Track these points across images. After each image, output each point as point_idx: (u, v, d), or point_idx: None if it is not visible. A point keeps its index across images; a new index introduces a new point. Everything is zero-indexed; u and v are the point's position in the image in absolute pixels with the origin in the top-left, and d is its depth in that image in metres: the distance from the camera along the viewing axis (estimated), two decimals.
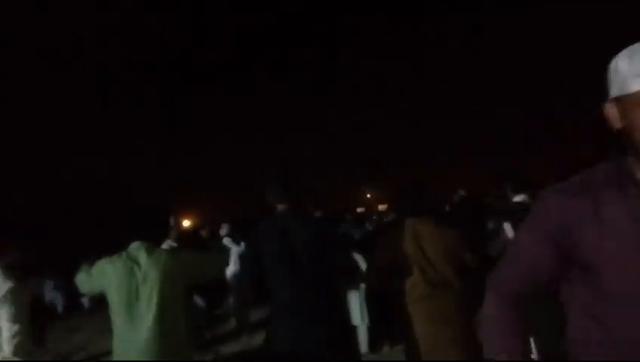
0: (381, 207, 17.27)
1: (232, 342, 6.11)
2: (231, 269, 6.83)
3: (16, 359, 2.70)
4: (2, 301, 2.75)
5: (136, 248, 2.68)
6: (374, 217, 10.02)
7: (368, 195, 19.91)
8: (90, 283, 2.75)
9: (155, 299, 2.56)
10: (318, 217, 3.93)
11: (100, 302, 2.79)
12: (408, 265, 2.92)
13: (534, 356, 3.25)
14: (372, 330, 4.98)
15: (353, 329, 3.15)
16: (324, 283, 2.80)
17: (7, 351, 2.72)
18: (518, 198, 3.65)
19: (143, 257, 2.63)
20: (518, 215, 3.35)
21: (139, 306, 2.57)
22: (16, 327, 2.72)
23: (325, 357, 2.69)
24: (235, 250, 6.85)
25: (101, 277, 2.67)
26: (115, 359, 2.60)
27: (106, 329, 2.79)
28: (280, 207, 2.95)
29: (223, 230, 7.11)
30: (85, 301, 10.14)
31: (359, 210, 17.73)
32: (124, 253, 2.68)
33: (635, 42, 1.09)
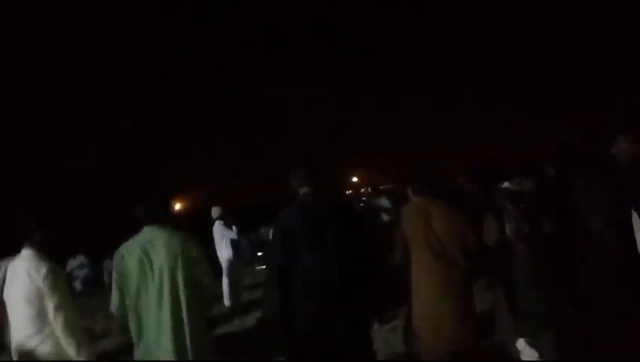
0: (365, 190, 17.35)
1: (225, 324, 6.17)
2: (224, 253, 6.86)
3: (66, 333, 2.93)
4: (44, 280, 2.90)
5: (150, 231, 2.78)
6: (363, 198, 10.13)
7: (354, 179, 19.95)
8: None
9: (169, 282, 2.68)
10: (344, 202, 3.83)
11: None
12: (417, 241, 3.05)
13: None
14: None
15: (371, 323, 3.15)
16: (349, 270, 2.78)
17: (56, 327, 2.93)
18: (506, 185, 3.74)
19: (155, 239, 2.75)
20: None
21: (153, 288, 2.68)
22: (61, 304, 2.93)
23: (340, 349, 2.75)
24: (227, 234, 6.87)
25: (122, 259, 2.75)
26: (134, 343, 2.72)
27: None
28: (304, 190, 2.94)
29: (215, 213, 7.08)
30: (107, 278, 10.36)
31: (348, 192, 17.83)
32: (138, 237, 2.79)
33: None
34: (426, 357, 3.05)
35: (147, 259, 2.71)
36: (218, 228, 6.92)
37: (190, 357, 2.67)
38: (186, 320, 2.69)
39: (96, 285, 11.04)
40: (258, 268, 10.24)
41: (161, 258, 2.71)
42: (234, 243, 6.93)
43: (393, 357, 4.39)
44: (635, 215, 2.89)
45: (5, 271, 3.08)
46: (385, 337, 4.89)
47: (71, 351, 2.94)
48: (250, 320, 6.20)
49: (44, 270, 2.93)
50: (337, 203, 3.06)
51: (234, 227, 6.92)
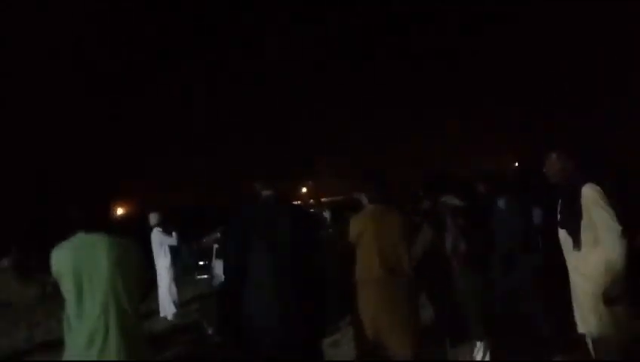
0: (312, 202, 17.40)
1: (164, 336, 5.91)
2: (162, 261, 6.60)
3: None
4: None
5: (84, 237, 2.68)
6: (310, 209, 10.07)
7: (304, 190, 19.97)
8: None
9: (104, 288, 2.59)
10: (300, 207, 3.95)
11: None
12: (367, 249, 3.09)
13: None
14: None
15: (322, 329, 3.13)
16: (300, 274, 2.82)
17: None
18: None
19: (93, 245, 2.65)
20: None
21: (89, 295, 2.59)
22: None
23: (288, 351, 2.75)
24: (166, 241, 6.62)
25: (56, 264, 2.64)
26: (66, 348, 2.63)
27: None
28: (265, 193, 2.94)
29: (153, 219, 6.80)
30: None
31: (296, 203, 17.82)
32: (73, 241, 2.67)
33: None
34: None
35: (85, 265, 2.61)
36: (157, 236, 6.64)
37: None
38: (127, 328, 2.63)
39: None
40: (199, 277, 9.92)
41: (100, 264, 2.62)
42: (173, 251, 6.69)
43: None
44: (564, 234, 2.90)
45: None
46: (326, 351, 4.81)
47: None
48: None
49: None
50: (296, 209, 3.11)
51: (174, 233, 6.68)
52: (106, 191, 3.10)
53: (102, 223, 2.78)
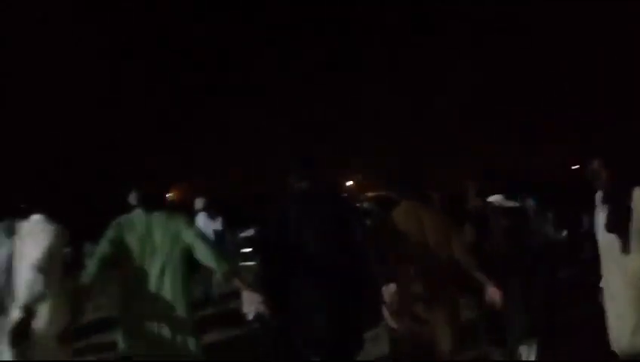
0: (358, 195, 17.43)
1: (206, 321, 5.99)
2: None
3: None
4: None
5: (143, 214, 2.90)
6: (357, 204, 10.03)
7: (350, 183, 19.95)
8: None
9: (160, 264, 2.79)
10: (340, 195, 4.03)
11: None
12: (403, 246, 3.15)
13: None
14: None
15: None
16: (344, 262, 2.91)
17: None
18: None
19: (151, 223, 2.86)
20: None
21: (147, 271, 2.79)
22: None
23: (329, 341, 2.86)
24: (211, 226, 6.73)
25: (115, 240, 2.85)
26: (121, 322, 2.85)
27: None
28: (302, 185, 3.05)
29: (198, 204, 6.93)
30: None
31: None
32: (132, 217, 2.90)
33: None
34: None
35: (149, 237, 2.82)
36: (201, 220, 6.77)
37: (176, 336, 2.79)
38: (178, 303, 2.82)
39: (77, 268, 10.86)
40: (242, 264, 10.06)
41: (160, 237, 2.82)
42: (218, 236, 6.79)
43: None
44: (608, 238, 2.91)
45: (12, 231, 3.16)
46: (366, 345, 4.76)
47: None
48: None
49: (63, 232, 3.11)
50: (336, 195, 3.31)
51: (219, 218, 6.78)
52: (162, 173, 3.24)
53: (159, 202, 2.99)
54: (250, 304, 5.27)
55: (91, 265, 2.82)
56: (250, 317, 5.83)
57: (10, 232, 3.17)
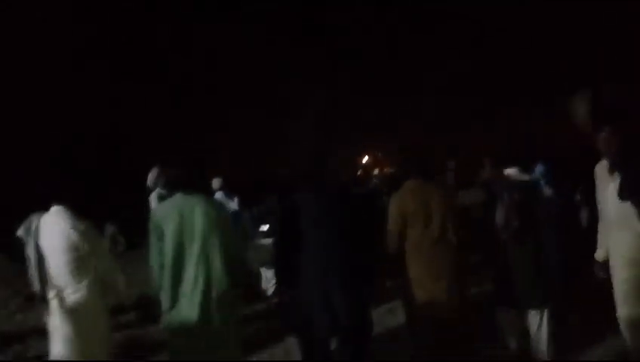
0: (375, 172, 17.42)
1: None
2: None
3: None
4: (78, 233, 3.31)
5: (183, 196, 3.00)
6: (374, 180, 10.08)
7: (366, 159, 19.91)
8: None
9: (200, 245, 2.90)
10: (352, 189, 4.25)
11: None
12: (412, 223, 3.42)
13: None
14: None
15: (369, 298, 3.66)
16: (351, 248, 3.22)
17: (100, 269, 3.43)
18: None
19: (192, 205, 2.95)
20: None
21: (187, 251, 2.91)
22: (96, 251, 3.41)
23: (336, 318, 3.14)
24: (228, 205, 6.83)
25: (156, 220, 2.98)
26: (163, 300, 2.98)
27: None
28: (317, 176, 3.34)
29: (215, 184, 7.03)
30: None
31: (359, 173, 17.81)
32: (174, 200, 3.03)
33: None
34: (422, 332, 3.47)
35: (186, 223, 2.91)
36: (219, 199, 6.88)
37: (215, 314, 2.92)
38: (216, 287, 2.92)
39: None
40: (259, 242, 10.17)
41: (198, 222, 2.91)
42: (235, 215, 6.91)
43: (391, 340, 4.42)
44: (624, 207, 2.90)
45: (37, 225, 3.34)
46: (383, 318, 4.92)
47: (120, 282, 3.46)
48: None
49: (77, 224, 3.28)
50: (347, 189, 3.66)
51: (235, 198, 6.88)
52: (201, 155, 3.35)
53: (199, 184, 3.08)
54: (269, 281, 5.55)
55: (153, 253, 2.99)
56: (270, 293, 6.04)
57: (34, 227, 3.34)
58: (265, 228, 10.69)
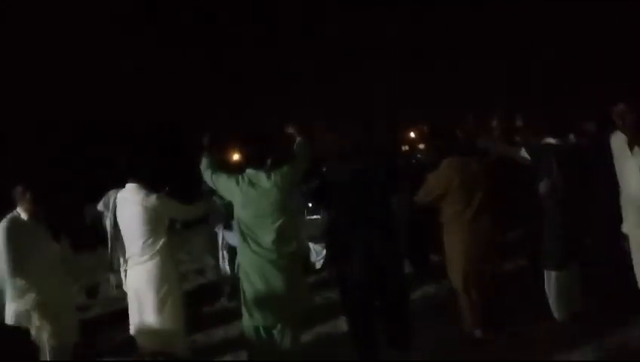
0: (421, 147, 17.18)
1: None
2: None
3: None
4: (156, 205, 3.67)
5: (254, 173, 3.40)
6: (418, 155, 9.98)
7: (412, 134, 19.62)
8: (215, 181, 3.54)
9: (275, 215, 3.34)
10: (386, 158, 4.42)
11: None
12: (455, 198, 3.64)
13: None
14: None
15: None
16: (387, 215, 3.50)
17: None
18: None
19: (262, 180, 3.35)
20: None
21: (262, 219, 3.35)
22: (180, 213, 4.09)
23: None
24: None
25: (226, 188, 3.47)
26: (243, 261, 3.48)
27: None
28: (351, 146, 3.55)
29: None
30: None
31: (404, 148, 17.61)
32: (244, 177, 3.40)
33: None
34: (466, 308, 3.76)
35: (254, 197, 3.35)
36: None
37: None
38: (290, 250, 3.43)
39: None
40: (308, 218, 10.40)
41: (267, 195, 3.33)
42: None
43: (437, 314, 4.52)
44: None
45: (114, 200, 3.73)
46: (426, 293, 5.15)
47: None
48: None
49: (153, 197, 3.61)
50: (382, 159, 3.75)
51: None
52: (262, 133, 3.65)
53: (261, 161, 3.44)
54: (318, 254, 5.79)
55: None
56: (318, 266, 6.27)
57: (112, 201, 3.73)
58: (312, 203, 10.92)
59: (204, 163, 3.65)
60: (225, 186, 3.51)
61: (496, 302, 3.75)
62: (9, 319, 3.50)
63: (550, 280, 3.83)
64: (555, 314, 3.87)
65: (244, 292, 3.47)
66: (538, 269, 4.01)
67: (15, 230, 3.52)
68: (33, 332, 3.46)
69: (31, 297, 3.51)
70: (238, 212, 3.46)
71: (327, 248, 6.04)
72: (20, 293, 3.50)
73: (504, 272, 4.03)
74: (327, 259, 5.96)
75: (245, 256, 3.46)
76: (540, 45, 18.07)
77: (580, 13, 16.57)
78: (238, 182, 3.41)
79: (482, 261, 3.67)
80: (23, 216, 3.63)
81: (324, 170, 3.80)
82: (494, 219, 3.66)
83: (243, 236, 3.43)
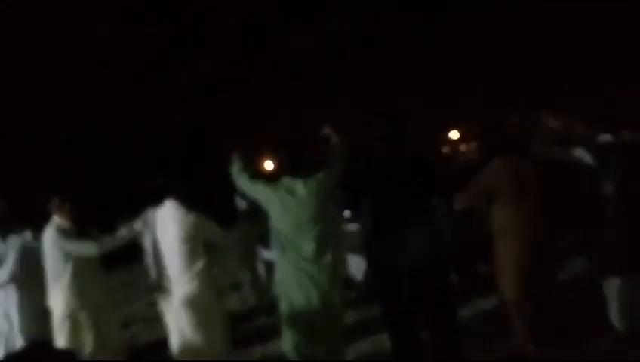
0: (464, 148, 17.01)
1: None
2: None
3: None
4: (194, 225, 3.66)
5: (290, 181, 3.32)
6: (459, 157, 9.78)
7: (454, 135, 19.43)
8: (250, 189, 3.47)
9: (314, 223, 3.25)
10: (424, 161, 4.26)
11: None
12: (506, 200, 3.40)
13: None
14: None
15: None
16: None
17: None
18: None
19: (299, 188, 3.26)
20: None
21: (301, 229, 3.26)
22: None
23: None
24: None
25: (263, 197, 3.38)
26: (281, 273, 3.38)
27: None
28: (388, 146, 3.42)
29: None
30: None
31: (445, 149, 17.46)
32: (280, 186, 3.34)
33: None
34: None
35: (291, 205, 3.27)
36: None
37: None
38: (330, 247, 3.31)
39: None
40: (346, 227, 10.25)
41: (304, 201, 3.25)
42: None
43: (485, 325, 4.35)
44: None
45: (154, 218, 3.72)
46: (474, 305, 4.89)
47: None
48: None
49: (192, 216, 3.59)
50: (417, 159, 3.53)
51: None
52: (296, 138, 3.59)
53: (297, 168, 3.37)
54: (358, 267, 5.65)
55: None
56: (359, 278, 6.10)
57: (150, 221, 3.71)
58: (349, 212, 10.78)
59: (235, 167, 3.56)
60: (261, 195, 3.41)
61: (551, 316, 3.48)
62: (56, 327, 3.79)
63: (613, 289, 3.53)
64: (617, 328, 3.56)
65: (282, 309, 3.38)
66: (598, 278, 3.71)
67: (62, 236, 3.77)
68: (73, 342, 3.71)
69: (77, 305, 3.76)
70: (276, 221, 3.38)
71: (366, 258, 5.87)
72: (68, 300, 3.75)
73: (561, 282, 3.74)
74: (366, 271, 5.78)
75: (284, 270, 3.36)
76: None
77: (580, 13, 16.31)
78: (274, 191, 3.34)
79: (537, 270, 3.40)
80: (65, 225, 3.87)
81: (359, 171, 3.64)
82: (550, 224, 3.44)
83: (282, 247, 3.35)
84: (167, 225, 3.62)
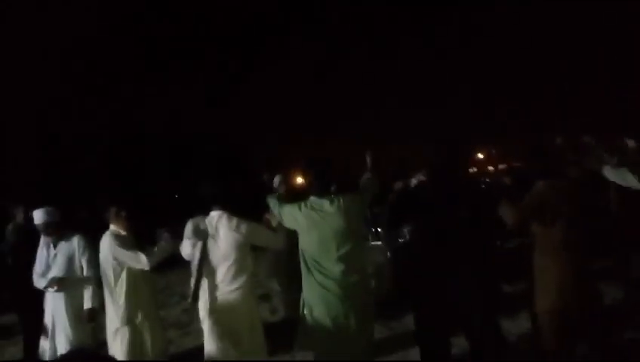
0: (490, 169, 16.84)
1: None
2: None
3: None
4: (244, 234, 3.67)
5: (317, 199, 3.36)
6: (487, 179, 9.72)
7: (480, 156, 19.29)
8: (281, 215, 3.54)
9: (339, 241, 3.26)
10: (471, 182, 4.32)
11: None
12: (549, 218, 3.30)
13: None
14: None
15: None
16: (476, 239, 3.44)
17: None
18: None
19: (326, 205, 3.30)
20: None
21: (327, 247, 3.27)
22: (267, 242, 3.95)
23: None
24: None
25: (290, 216, 3.44)
26: (307, 294, 3.38)
27: None
28: (438, 170, 3.59)
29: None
30: None
31: (472, 170, 17.30)
32: (307, 203, 3.38)
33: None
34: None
35: (320, 223, 3.29)
36: None
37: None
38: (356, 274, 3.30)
39: None
40: (372, 243, 10.28)
41: (332, 221, 3.27)
42: None
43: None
44: None
45: (205, 227, 3.71)
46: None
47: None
48: None
49: (241, 225, 3.62)
50: (466, 182, 3.72)
51: None
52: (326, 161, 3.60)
53: (325, 187, 3.41)
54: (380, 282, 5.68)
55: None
56: (382, 294, 6.13)
57: (202, 229, 3.71)
58: (375, 230, 10.80)
59: (272, 205, 3.69)
60: (288, 215, 3.48)
61: (597, 342, 3.40)
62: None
63: None
64: None
65: (307, 328, 3.40)
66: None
67: (118, 244, 3.98)
68: (132, 348, 3.91)
69: (134, 312, 4.02)
70: (303, 240, 3.41)
71: (401, 275, 5.93)
72: (126, 307, 4.00)
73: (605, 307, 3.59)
74: (398, 287, 5.82)
75: (310, 290, 3.37)
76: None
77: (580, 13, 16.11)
78: (300, 208, 3.38)
79: (581, 293, 3.29)
80: (122, 232, 4.11)
81: (409, 188, 3.79)
82: (592, 246, 3.37)
83: (307, 267, 3.36)
84: (219, 234, 3.63)
